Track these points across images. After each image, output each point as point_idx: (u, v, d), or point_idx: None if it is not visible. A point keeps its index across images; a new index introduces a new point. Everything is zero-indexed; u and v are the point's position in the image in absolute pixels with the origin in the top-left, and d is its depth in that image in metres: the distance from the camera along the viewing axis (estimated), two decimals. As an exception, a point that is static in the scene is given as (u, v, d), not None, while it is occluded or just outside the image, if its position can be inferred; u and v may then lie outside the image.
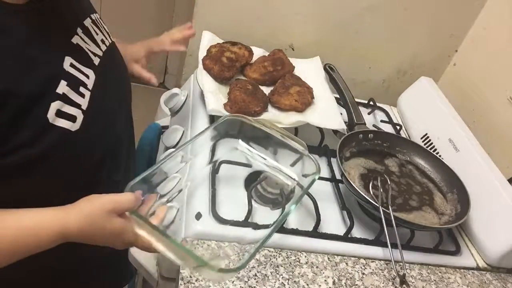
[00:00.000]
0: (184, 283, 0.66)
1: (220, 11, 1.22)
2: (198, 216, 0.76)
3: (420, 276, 0.80)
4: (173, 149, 0.93)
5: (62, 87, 0.57)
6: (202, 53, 1.06)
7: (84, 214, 0.56)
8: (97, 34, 0.69)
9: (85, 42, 0.65)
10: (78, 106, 0.59)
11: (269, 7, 1.22)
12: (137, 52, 0.92)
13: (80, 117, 0.59)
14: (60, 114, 0.56)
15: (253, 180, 0.86)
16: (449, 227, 0.88)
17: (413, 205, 0.88)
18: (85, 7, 0.70)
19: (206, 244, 0.73)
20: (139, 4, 2.11)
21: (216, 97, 0.97)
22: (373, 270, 0.79)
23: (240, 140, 0.95)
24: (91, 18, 0.70)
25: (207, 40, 1.11)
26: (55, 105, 0.56)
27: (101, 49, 0.68)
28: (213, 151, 0.88)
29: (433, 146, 1.07)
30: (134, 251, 0.78)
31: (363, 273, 0.77)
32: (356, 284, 0.75)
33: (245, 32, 1.24)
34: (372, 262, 0.80)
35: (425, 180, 0.96)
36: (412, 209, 0.87)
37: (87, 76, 0.62)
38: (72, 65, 0.60)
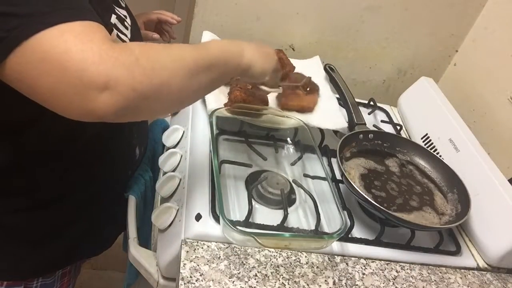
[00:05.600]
0: (184, 283, 0.66)
1: (220, 11, 1.22)
2: (198, 217, 0.76)
3: (421, 276, 0.80)
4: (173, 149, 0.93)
5: (114, 19, 0.69)
6: (202, 53, 1.06)
7: None
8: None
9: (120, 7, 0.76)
10: (126, 35, 0.72)
11: (269, 7, 1.22)
12: None
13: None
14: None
15: (254, 180, 0.86)
16: (449, 227, 0.88)
17: (414, 205, 0.88)
18: None
19: (206, 245, 0.73)
20: (139, 3, 2.11)
21: (216, 97, 0.97)
22: (373, 270, 0.78)
23: (241, 139, 0.95)
24: None
25: (207, 40, 1.11)
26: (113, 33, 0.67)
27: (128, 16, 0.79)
28: (213, 150, 0.88)
29: (434, 146, 1.07)
30: (134, 252, 0.78)
31: (364, 273, 0.77)
32: (357, 284, 0.75)
33: (245, 32, 1.24)
34: (372, 262, 0.80)
35: (426, 180, 0.96)
36: (412, 209, 0.87)
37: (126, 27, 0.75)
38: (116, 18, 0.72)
